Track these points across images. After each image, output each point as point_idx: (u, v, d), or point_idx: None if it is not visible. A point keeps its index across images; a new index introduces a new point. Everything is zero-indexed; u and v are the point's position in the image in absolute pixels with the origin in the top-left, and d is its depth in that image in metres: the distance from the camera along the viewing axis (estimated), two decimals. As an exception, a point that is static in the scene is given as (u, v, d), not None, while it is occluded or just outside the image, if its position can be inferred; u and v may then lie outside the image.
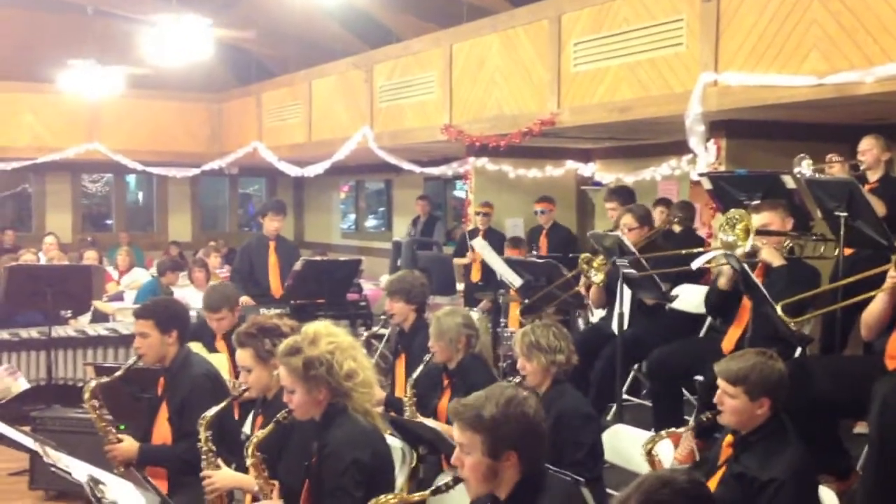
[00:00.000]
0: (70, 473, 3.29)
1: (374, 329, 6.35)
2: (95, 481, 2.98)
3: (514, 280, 6.50)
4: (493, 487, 2.65)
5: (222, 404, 3.86)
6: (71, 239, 14.41)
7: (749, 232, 4.35)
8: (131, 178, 16.79)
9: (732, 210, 4.51)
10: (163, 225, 16.12)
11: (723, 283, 4.78)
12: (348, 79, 11.18)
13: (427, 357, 4.73)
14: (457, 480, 2.69)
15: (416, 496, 2.83)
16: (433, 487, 2.75)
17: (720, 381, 3.30)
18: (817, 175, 5.33)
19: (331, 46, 12.56)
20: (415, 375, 4.75)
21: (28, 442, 3.65)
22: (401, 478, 3.89)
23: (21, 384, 3.27)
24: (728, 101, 6.33)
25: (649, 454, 3.44)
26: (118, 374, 4.34)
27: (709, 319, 5.78)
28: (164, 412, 4.34)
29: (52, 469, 3.33)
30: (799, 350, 4.68)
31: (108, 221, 16.50)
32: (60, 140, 13.35)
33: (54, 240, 11.35)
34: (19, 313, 7.74)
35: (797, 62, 5.89)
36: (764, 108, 6.25)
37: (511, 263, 6.67)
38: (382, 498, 2.77)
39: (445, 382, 4.72)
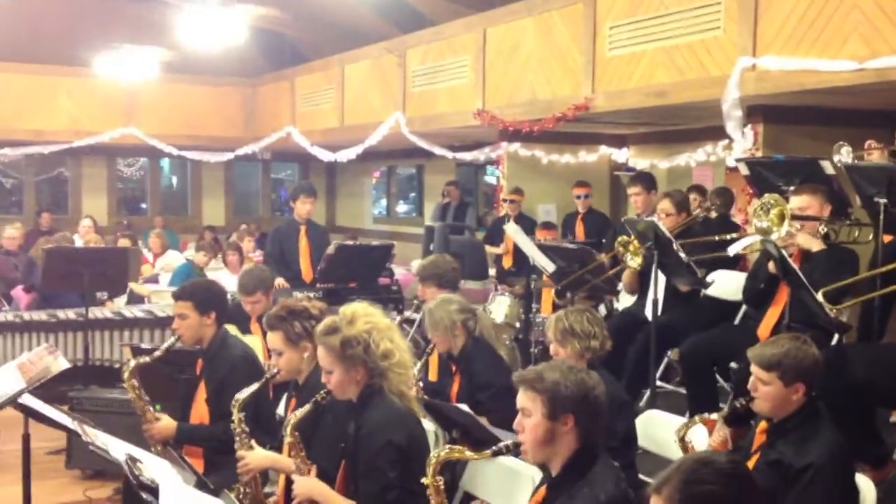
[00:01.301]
0: (108, 452, 3.33)
1: (407, 314, 6.36)
2: (133, 459, 3.01)
3: (547, 266, 6.48)
4: (550, 455, 2.70)
5: (256, 386, 3.88)
6: (107, 222, 14.56)
7: (784, 217, 4.29)
8: (165, 163, 16.94)
9: (766, 195, 4.46)
10: (197, 209, 16.25)
11: (772, 267, 4.71)
12: (381, 64, 11.18)
13: (428, 349, 4.74)
14: (517, 445, 2.74)
15: (478, 455, 2.87)
16: (494, 448, 2.80)
17: (754, 368, 3.27)
18: (856, 161, 5.25)
19: (364, 31, 12.56)
20: (416, 369, 4.74)
21: (66, 421, 3.69)
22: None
23: (61, 363, 3.30)
24: (766, 86, 6.26)
25: (682, 440, 3.42)
26: (158, 354, 4.39)
27: (744, 306, 5.73)
28: (202, 392, 4.39)
29: (91, 447, 3.36)
30: (836, 337, 4.64)
31: (143, 205, 16.66)
32: (97, 124, 13.47)
33: (91, 223, 11.48)
34: (57, 295, 7.85)
35: (837, 47, 5.81)
36: (802, 93, 6.18)
37: (544, 250, 6.65)
38: (444, 450, 2.83)
39: (453, 369, 4.73)
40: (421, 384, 4.71)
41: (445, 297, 4.82)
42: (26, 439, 3.77)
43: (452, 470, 4.00)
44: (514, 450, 2.77)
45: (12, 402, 3.23)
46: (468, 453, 2.91)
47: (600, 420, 2.76)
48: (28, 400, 3.55)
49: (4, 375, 3.39)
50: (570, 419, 2.67)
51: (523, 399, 2.73)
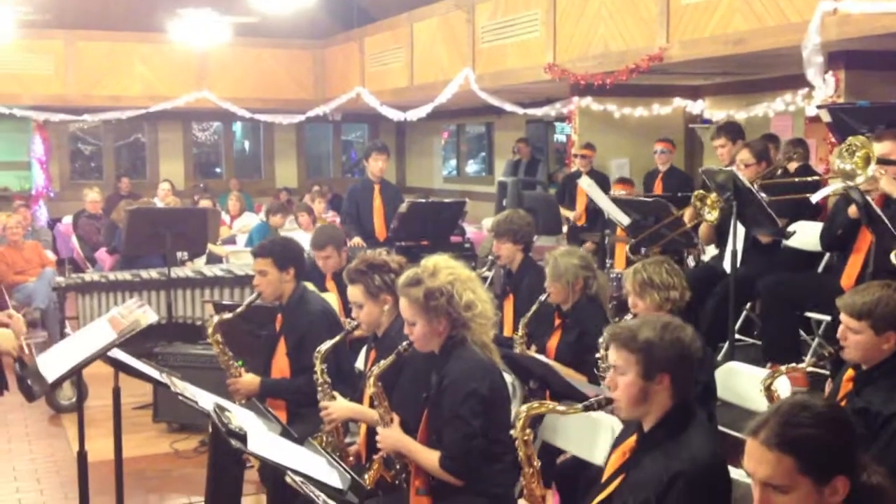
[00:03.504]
0: (196, 402, 3.43)
1: (480, 271, 6.37)
2: (221, 408, 3.09)
3: (622, 219, 6.42)
4: (643, 413, 2.67)
5: (337, 338, 3.96)
6: (183, 186, 14.86)
7: (869, 160, 4.17)
8: (238, 127, 17.17)
9: (852, 137, 4.33)
10: (270, 172, 16.47)
11: (853, 211, 4.59)
12: (450, 20, 11.09)
13: (542, 297, 4.71)
14: (608, 400, 2.72)
15: (569, 409, 2.84)
16: (586, 403, 2.77)
17: (843, 316, 3.21)
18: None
19: (432, -12, 12.48)
20: (528, 315, 4.75)
21: (155, 374, 3.81)
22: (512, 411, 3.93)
23: (150, 316, 3.39)
24: (848, 31, 6.04)
25: (768, 389, 3.38)
26: (240, 310, 4.48)
27: (825, 258, 5.61)
28: (282, 347, 4.48)
29: (180, 398, 3.47)
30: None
31: (217, 169, 16.94)
32: (171, 89, 13.69)
33: (169, 186, 11.75)
34: (139, 257, 8.07)
35: (924, -13, 5.58)
36: (886, 37, 5.94)
37: (619, 203, 6.58)
38: (537, 404, 2.81)
39: (557, 322, 4.70)
40: (523, 332, 4.73)
41: (571, 249, 4.86)
42: (116, 393, 3.90)
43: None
44: (606, 405, 2.73)
45: (105, 353, 3.33)
46: (559, 408, 2.87)
47: (696, 376, 2.70)
48: (118, 354, 3.67)
49: (96, 329, 3.51)
50: (666, 378, 2.61)
51: (616, 357, 2.67)
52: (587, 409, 2.77)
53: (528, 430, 2.78)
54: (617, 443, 2.87)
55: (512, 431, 2.79)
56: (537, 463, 2.79)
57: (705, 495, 2.51)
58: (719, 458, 2.60)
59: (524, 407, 2.80)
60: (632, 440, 2.73)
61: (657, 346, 2.61)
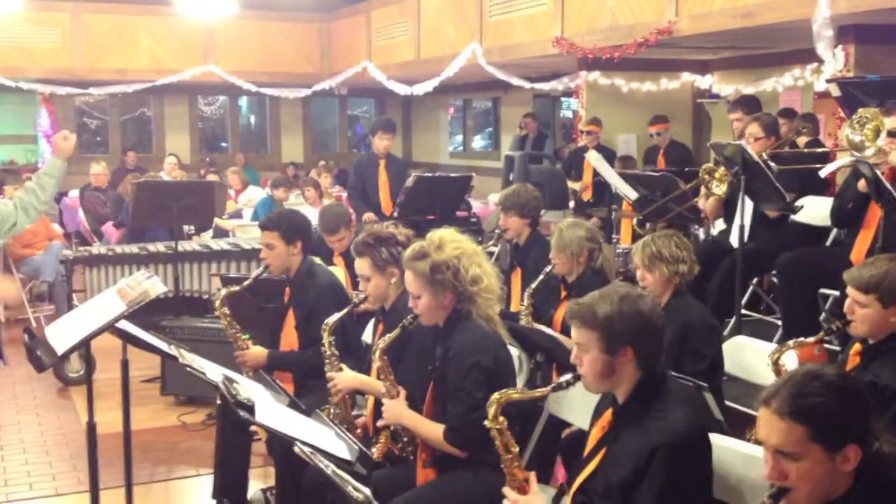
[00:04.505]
0: (205, 374, 3.44)
1: (486, 245, 6.35)
2: (230, 380, 3.11)
3: (630, 193, 6.41)
4: (612, 386, 2.67)
5: (345, 311, 3.97)
6: (190, 160, 14.84)
7: (879, 132, 4.15)
8: (243, 102, 17.13)
9: (862, 109, 4.31)
10: (276, 146, 16.45)
11: (863, 185, 4.58)
12: (457, -7, 11.02)
13: (547, 268, 4.71)
14: (576, 378, 2.71)
15: (538, 392, 2.84)
16: (554, 384, 2.76)
17: (850, 290, 3.19)
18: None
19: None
20: (533, 286, 4.75)
21: (163, 345, 3.82)
22: (518, 384, 3.93)
23: (159, 287, 3.40)
24: (858, 4, 5.99)
25: (776, 364, 3.38)
26: (247, 283, 4.49)
27: (833, 232, 5.60)
28: (290, 320, 4.49)
29: (188, 370, 3.47)
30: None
31: (223, 144, 16.92)
32: (177, 62, 13.65)
33: (175, 160, 11.74)
34: (145, 231, 8.08)
35: (936, -41, 5.52)
36: (896, 10, 5.91)
37: (626, 177, 6.56)
38: (509, 391, 2.79)
39: (563, 294, 4.70)
40: (529, 303, 4.73)
41: (576, 220, 4.83)
42: (125, 365, 3.91)
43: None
44: (574, 383, 2.72)
45: (115, 323, 3.34)
46: (529, 392, 2.88)
47: (660, 342, 2.69)
48: (127, 326, 3.67)
49: (105, 301, 3.51)
50: (629, 351, 2.61)
51: (578, 335, 2.67)
52: (556, 389, 2.76)
53: (501, 419, 2.74)
54: (594, 417, 2.87)
55: (486, 422, 2.75)
56: (515, 448, 2.77)
57: (686, 463, 2.52)
58: (696, 424, 2.61)
59: (495, 395, 2.76)
60: (608, 414, 2.74)
61: (616, 320, 2.60)
